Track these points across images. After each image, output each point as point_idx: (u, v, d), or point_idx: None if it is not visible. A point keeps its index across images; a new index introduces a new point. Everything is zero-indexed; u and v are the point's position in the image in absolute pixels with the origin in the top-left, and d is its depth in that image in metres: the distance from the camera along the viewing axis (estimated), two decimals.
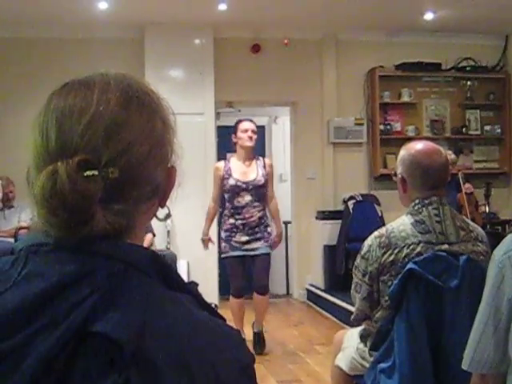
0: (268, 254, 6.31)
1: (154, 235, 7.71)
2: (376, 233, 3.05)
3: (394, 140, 8.91)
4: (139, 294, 0.93)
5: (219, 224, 6.55)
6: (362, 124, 9.20)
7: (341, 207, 8.91)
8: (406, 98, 9.30)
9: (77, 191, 0.93)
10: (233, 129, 6.40)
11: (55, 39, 8.44)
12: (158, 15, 8.16)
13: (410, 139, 3.29)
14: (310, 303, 8.98)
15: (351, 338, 3.51)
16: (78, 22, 8.20)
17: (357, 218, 8.56)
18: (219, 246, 6.46)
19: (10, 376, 0.85)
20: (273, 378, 5.63)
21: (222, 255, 6.40)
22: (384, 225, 3.19)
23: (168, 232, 8.32)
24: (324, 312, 8.43)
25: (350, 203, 8.77)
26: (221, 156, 9.21)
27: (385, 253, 2.96)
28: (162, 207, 1.13)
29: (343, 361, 3.51)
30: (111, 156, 0.98)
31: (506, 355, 2.07)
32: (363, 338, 3.35)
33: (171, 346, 0.89)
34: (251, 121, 6.46)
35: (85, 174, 0.95)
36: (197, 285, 1.06)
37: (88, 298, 0.89)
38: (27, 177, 1.02)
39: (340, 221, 8.72)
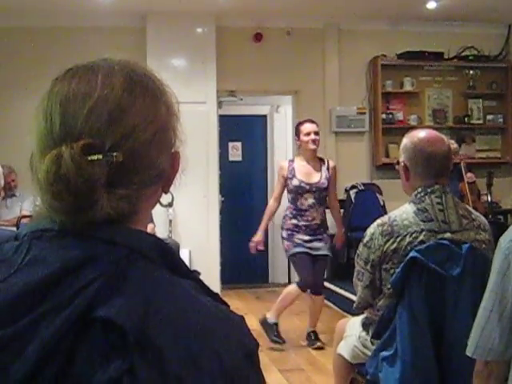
0: (327, 256, 6.35)
1: (154, 225, 7.70)
2: (378, 221, 3.05)
3: (396, 129, 8.90)
4: (143, 280, 0.93)
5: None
6: (364, 113, 9.18)
7: (343, 196, 8.89)
8: (408, 87, 9.28)
9: (81, 175, 0.93)
10: (295, 131, 6.40)
11: (57, 28, 8.42)
12: (160, 4, 8.13)
13: (412, 128, 3.29)
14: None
15: (353, 326, 3.52)
16: (80, 11, 8.19)
17: (359, 207, 8.56)
18: (264, 246, 6.45)
19: (14, 361, 0.85)
20: (275, 366, 5.64)
21: (287, 254, 6.35)
22: (386, 214, 3.18)
23: (170, 221, 8.33)
24: (326, 301, 8.41)
25: (352, 192, 8.77)
26: (223, 145, 9.23)
27: (387, 241, 2.96)
28: (166, 193, 1.13)
29: (345, 349, 3.51)
30: (115, 140, 0.98)
31: (510, 343, 2.07)
32: (365, 326, 3.36)
33: (175, 331, 0.89)
34: (313, 122, 6.42)
35: (89, 158, 0.95)
36: (199, 274, 1.06)
37: (92, 284, 0.89)
38: (31, 162, 1.02)
39: (342, 210, 8.70)
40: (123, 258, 0.94)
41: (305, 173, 6.22)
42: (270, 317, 6.33)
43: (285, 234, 6.30)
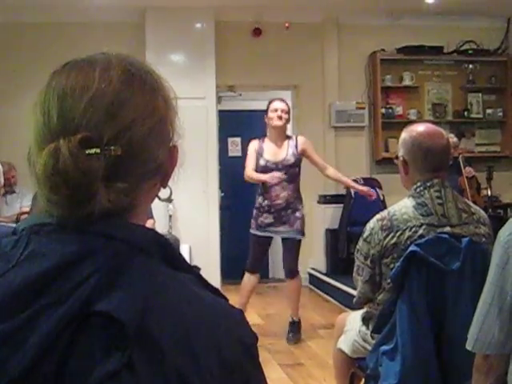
0: (294, 239, 6.21)
1: (154, 221, 7.69)
2: (378, 216, 3.05)
3: (396, 124, 8.89)
4: (142, 274, 0.93)
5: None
6: (363, 108, 9.18)
7: (343, 191, 8.90)
8: (407, 82, 9.29)
9: (79, 169, 0.93)
10: (266, 109, 6.31)
11: (56, 23, 8.41)
12: None
13: (411, 123, 3.28)
14: (312, 287, 8.99)
15: (353, 320, 3.52)
16: (79, 6, 8.18)
17: (358, 202, 8.54)
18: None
19: (13, 355, 0.85)
20: (275, 361, 5.65)
21: (250, 231, 6.32)
22: (386, 208, 3.18)
23: (170, 216, 8.33)
24: (326, 296, 8.45)
25: None
26: (222, 140, 9.23)
27: (387, 235, 2.96)
28: (164, 187, 1.13)
29: (345, 344, 3.52)
30: (113, 134, 0.98)
31: (510, 336, 2.08)
32: (365, 320, 3.36)
33: (174, 325, 0.90)
34: (283, 100, 6.38)
35: (87, 152, 0.95)
36: (199, 269, 1.06)
37: (90, 278, 0.90)
38: (29, 156, 1.02)
39: (342, 205, 8.72)
40: (122, 252, 0.94)
41: (272, 152, 6.17)
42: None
43: (254, 212, 6.28)
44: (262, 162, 6.16)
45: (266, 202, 6.15)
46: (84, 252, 0.93)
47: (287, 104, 6.34)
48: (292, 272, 6.31)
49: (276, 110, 6.16)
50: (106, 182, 0.97)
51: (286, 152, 6.15)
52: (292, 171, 6.15)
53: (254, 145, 6.28)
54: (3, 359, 0.85)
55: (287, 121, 6.23)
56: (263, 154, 6.19)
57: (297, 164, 6.18)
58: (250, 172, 6.23)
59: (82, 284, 0.89)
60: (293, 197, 6.18)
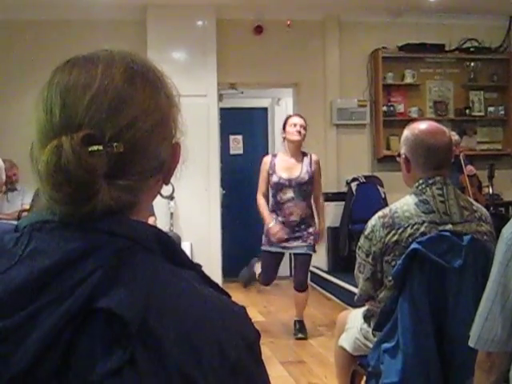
0: (307, 255, 6.28)
1: (155, 218, 7.70)
2: (380, 213, 3.05)
3: (397, 121, 8.89)
4: (144, 271, 0.93)
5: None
6: (365, 105, 9.18)
7: (344, 189, 8.91)
8: (409, 80, 9.28)
9: (81, 166, 0.93)
10: (283, 124, 6.38)
11: (57, 21, 8.41)
12: None
13: (413, 121, 3.28)
14: (314, 285, 8.98)
15: (355, 318, 3.52)
16: (81, 4, 8.17)
17: (360, 200, 8.56)
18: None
19: (14, 352, 0.85)
20: (276, 359, 5.65)
21: (262, 247, 6.38)
22: (387, 206, 3.18)
23: (171, 214, 8.33)
24: (327, 293, 8.45)
25: (353, 185, 8.77)
26: (223, 138, 9.23)
27: (388, 233, 2.95)
28: (167, 184, 1.13)
29: (347, 341, 3.52)
30: (115, 131, 0.98)
31: None
32: (367, 318, 3.36)
33: (176, 322, 0.90)
34: (301, 116, 6.47)
35: (89, 149, 0.94)
36: (200, 267, 1.06)
37: (93, 275, 0.89)
38: (31, 153, 1.02)
39: (343, 202, 8.72)
40: (124, 249, 0.94)
41: (286, 168, 6.22)
42: None
43: (265, 228, 6.32)
44: (274, 179, 6.22)
45: (279, 218, 6.21)
46: (86, 249, 0.93)
47: (305, 120, 6.38)
48: (301, 285, 6.38)
49: (295, 125, 6.23)
50: (109, 179, 0.97)
51: (300, 169, 6.22)
52: (305, 188, 6.21)
53: (265, 163, 6.34)
54: (5, 355, 0.85)
55: (304, 136, 6.28)
56: (276, 169, 6.23)
57: (310, 182, 6.23)
58: (259, 199, 6.35)
59: (84, 281, 0.89)
60: (306, 213, 6.25)
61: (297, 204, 6.17)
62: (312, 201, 6.36)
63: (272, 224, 6.20)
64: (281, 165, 6.24)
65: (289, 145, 6.28)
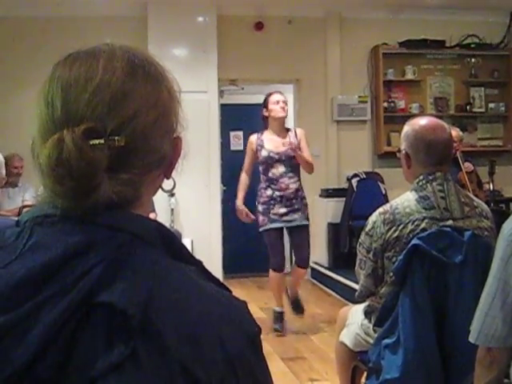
0: (306, 226, 6.31)
1: (156, 214, 7.70)
2: (380, 209, 3.05)
3: (398, 117, 8.90)
4: (145, 265, 0.93)
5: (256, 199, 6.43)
6: (365, 101, 9.18)
7: (345, 185, 8.91)
8: (409, 76, 9.28)
9: (83, 159, 0.93)
10: (263, 103, 6.36)
11: (58, 17, 8.41)
12: None
13: (413, 117, 3.27)
14: (314, 281, 9.00)
15: (355, 314, 3.52)
16: (81, 0, 8.17)
17: (360, 196, 8.56)
18: (256, 220, 6.35)
19: (16, 347, 0.85)
20: (277, 355, 5.65)
21: (261, 229, 6.30)
22: (388, 202, 3.18)
23: (172, 210, 8.33)
24: (328, 290, 8.45)
25: (354, 181, 8.77)
26: (224, 134, 9.23)
27: (389, 229, 2.95)
28: (168, 178, 1.13)
29: (347, 337, 3.52)
30: (117, 124, 0.98)
31: None
32: (368, 314, 3.36)
33: (178, 316, 0.89)
34: (281, 93, 6.46)
35: (91, 143, 0.94)
36: (201, 262, 1.06)
37: (94, 269, 0.89)
38: (32, 148, 1.02)
39: (344, 198, 8.72)
40: (125, 243, 0.94)
41: (274, 143, 6.22)
42: (275, 306, 6.47)
43: (261, 207, 6.29)
44: (264, 153, 6.21)
45: (276, 193, 6.19)
46: (88, 243, 0.93)
47: (285, 97, 6.41)
48: (307, 261, 6.40)
49: (278, 102, 6.22)
50: (110, 172, 0.97)
51: (289, 143, 6.18)
52: (294, 162, 6.19)
53: (251, 141, 6.36)
54: (7, 350, 0.85)
55: (287, 112, 6.31)
56: (264, 145, 6.23)
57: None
58: (242, 177, 6.41)
59: (86, 275, 0.89)
60: (299, 185, 6.27)
61: (290, 177, 6.18)
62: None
63: (242, 211, 6.30)
64: (269, 141, 6.24)
65: (273, 122, 6.27)
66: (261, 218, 6.28)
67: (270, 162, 6.18)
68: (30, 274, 0.90)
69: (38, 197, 1.02)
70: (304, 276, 6.59)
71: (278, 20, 8.98)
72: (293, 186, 6.19)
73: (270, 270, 6.34)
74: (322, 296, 8.26)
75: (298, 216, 6.22)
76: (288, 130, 6.35)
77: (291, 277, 6.56)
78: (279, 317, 6.45)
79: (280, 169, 6.17)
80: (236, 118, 9.82)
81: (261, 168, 6.30)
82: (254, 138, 6.36)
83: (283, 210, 6.18)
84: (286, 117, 6.29)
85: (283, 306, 6.45)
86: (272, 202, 6.20)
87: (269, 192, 6.22)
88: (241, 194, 6.37)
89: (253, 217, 6.33)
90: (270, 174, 6.20)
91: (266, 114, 6.29)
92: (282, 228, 6.27)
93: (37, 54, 8.02)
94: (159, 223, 1.03)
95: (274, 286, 6.41)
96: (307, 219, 6.31)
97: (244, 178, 6.39)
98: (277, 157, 6.16)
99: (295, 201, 6.21)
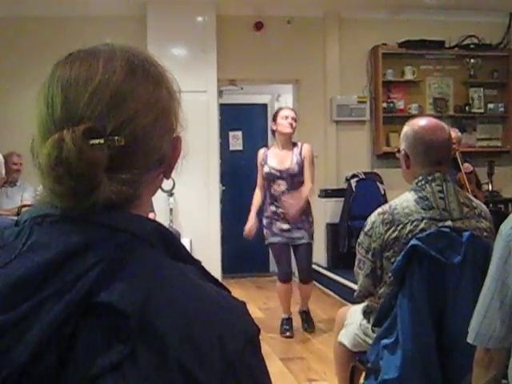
0: (309, 244, 6.31)
1: (155, 214, 7.68)
2: (379, 209, 3.05)
3: (397, 118, 8.90)
4: (144, 265, 0.93)
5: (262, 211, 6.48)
6: (364, 102, 9.18)
7: (343, 185, 8.91)
8: (409, 76, 9.27)
9: (83, 159, 0.93)
10: (273, 117, 6.41)
11: (57, 17, 8.40)
12: None
13: (412, 117, 3.27)
14: (313, 281, 8.98)
15: (354, 314, 3.52)
16: (80, 0, 8.17)
17: (359, 196, 8.56)
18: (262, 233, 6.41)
19: (15, 346, 0.85)
20: (276, 355, 5.66)
21: (266, 242, 6.38)
22: (387, 203, 3.18)
23: (170, 210, 8.33)
24: (327, 290, 8.45)
25: (353, 181, 8.77)
26: (223, 134, 9.23)
27: (388, 229, 2.96)
28: (168, 178, 1.13)
29: (346, 337, 3.52)
30: (117, 124, 0.98)
31: (511, 330, 2.08)
32: (366, 314, 3.36)
33: (177, 317, 0.89)
34: (292, 109, 6.54)
35: (91, 143, 0.95)
36: (200, 262, 1.06)
37: (93, 269, 0.89)
38: (32, 147, 1.02)
39: (343, 199, 8.72)
40: (125, 243, 0.94)
41: (277, 159, 6.23)
42: (283, 314, 6.52)
43: (265, 221, 6.33)
44: (266, 169, 6.23)
45: (280, 209, 6.20)
46: (87, 243, 0.93)
47: (296, 112, 6.45)
48: (310, 277, 6.45)
49: (287, 118, 6.24)
50: (110, 172, 0.97)
51: (290, 161, 6.20)
52: (296, 180, 6.19)
53: (259, 155, 6.38)
54: (6, 349, 0.85)
55: (295, 129, 6.31)
56: (267, 161, 6.25)
57: (301, 172, 6.20)
58: (255, 193, 6.47)
59: (85, 275, 0.89)
60: (303, 203, 6.21)
61: (293, 195, 6.15)
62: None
63: (248, 224, 6.37)
64: (272, 156, 6.26)
65: (279, 137, 6.28)
66: (265, 231, 6.34)
67: (272, 178, 6.20)
68: (29, 273, 0.90)
69: (37, 196, 1.02)
70: (310, 291, 6.58)
71: (277, 20, 8.98)
72: (297, 204, 6.13)
73: (277, 282, 6.41)
74: (321, 296, 8.26)
75: (301, 234, 6.23)
76: (295, 144, 6.32)
77: (299, 292, 6.58)
78: (287, 323, 6.46)
79: (282, 186, 6.18)
80: (235, 118, 9.82)
81: (265, 183, 6.32)
82: (261, 152, 6.40)
83: (286, 227, 6.21)
84: (292, 133, 6.28)
85: (291, 313, 6.46)
86: (275, 217, 6.24)
87: (273, 208, 6.25)
88: (253, 211, 6.42)
89: (252, 234, 6.38)
90: (272, 191, 6.23)
91: (273, 127, 6.33)
92: (286, 244, 6.29)
93: (35, 53, 8.01)
94: (158, 223, 1.03)
95: (281, 296, 6.44)
96: (311, 237, 6.30)
97: (256, 194, 6.45)
98: (278, 174, 6.17)
99: (299, 219, 6.19)
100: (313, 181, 6.27)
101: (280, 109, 6.48)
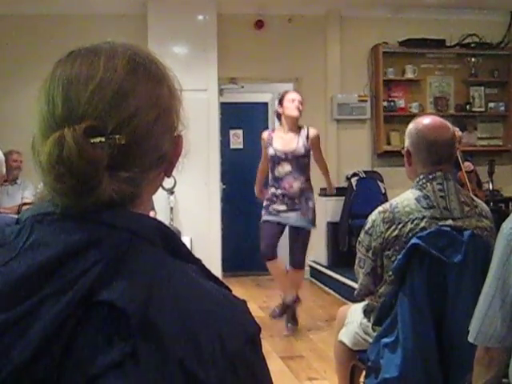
0: (305, 229, 6.28)
1: (155, 213, 7.69)
2: (380, 208, 3.05)
3: (398, 117, 8.92)
4: (145, 263, 0.93)
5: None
6: (365, 100, 9.19)
7: (344, 184, 8.91)
8: (409, 75, 9.28)
9: (84, 157, 0.93)
10: (278, 100, 6.38)
11: (58, 15, 8.41)
12: None
13: (413, 116, 3.27)
14: (313, 280, 9.00)
15: (354, 313, 3.52)
16: None
17: (360, 195, 8.56)
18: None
19: (16, 344, 0.85)
20: (276, 353, 5.66)
21: (260, 221, 6.35)
22: (387, 201, 3.18)
23: (171, 208, 8.33)
24: (327, 288, 8.45)
25: (354, 180, 8.77)
26: (224, 132, 9.23)
27: (389, 228, 2.95)
28: (169, 177, 1.13)
29: (346, 336, 3.52)
30: (118, 123, 0.98)
31: None
32: (367, 313, 3.36)
33: (178, 315, 0.89)
34: (298, 92, 6.55)
35: (92, 141, 0.94)
36: (200, 261, 1.06)
37: (94, 267, 0.89)
38: (32, 145, 1.02)
39: (343, 197, 8.72)
40: (125, 241, 0.94)
41: (282, 141, 6.22)
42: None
43: (264, 203, 6.33)
44: (271, 151, 6.23)
45: (279, 191, 6.20)
46: (88, 241, 0.92)
47: (301, 96, 6.43)
48: (300, 263, 6.39)
49: (293, 101, 6.23)
50: (111, 170, 0.96)
51: (296, 142, 6.18)
52: (302, 161, 6.19)
53: (263, 138, 6.39)
54: (7, 347, 0.85)
55: (301, 112, 6.29)
56: (272, 143, 6.24)
57: (306, 155, 6.22)
58: (258, 171, 6.59)
59: (86, 273, 0.89)
60: (305, 186, 6.24)
61: (296, 177, 6.16)
62: (310, 174, 6.36)
63: (256, 188, 6.60)
64: (277, 138, 6.26)
65: (286, 120, 6.26)
66: (262, 211, 6.32)
67: (277, 160, 6.19)
68: (29, 271, 0.90)
69: (37, 194, 1.01)
70: (300, 278, 6.52)
71: (278, 18, 8.98)
72: (296, 186, 6.15)
73: (266, 262, 6.34)
74: (321, 295, 8.27)
75: (297, 216, 6.19)
76: (300, 128, 6.31)
77: (288, 278, 6.50)
78: (290, 311, 6.45)
79: (286, 168, 6.17)
80: (236, 117, 9.82)
81: (269, 165, 6.32)
82: (265, 134, 6.42)
83: (282, 208, 6.18)
84: (299, 116, 6.26)
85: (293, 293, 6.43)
86: (274, 198, 6.22)
87: (273, 189, 6.25)
88: (257, 186, 6.61)
89: (264, 194, 6.46)
90: (276, 173, 6.22)
91: (280, 110, 6.31)
92: (278, 224, 6.24)
93: (36, 51, 8.02)
94: (159, 221, 1.02)
95: (274, 273, 6.43)
96: (310, 223, 6.27)
97: (259, 171, 6.59)
98: (283, 156, 6.16)
99: (297, 200, 6.18)
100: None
101: (286, 92, 6.44)
